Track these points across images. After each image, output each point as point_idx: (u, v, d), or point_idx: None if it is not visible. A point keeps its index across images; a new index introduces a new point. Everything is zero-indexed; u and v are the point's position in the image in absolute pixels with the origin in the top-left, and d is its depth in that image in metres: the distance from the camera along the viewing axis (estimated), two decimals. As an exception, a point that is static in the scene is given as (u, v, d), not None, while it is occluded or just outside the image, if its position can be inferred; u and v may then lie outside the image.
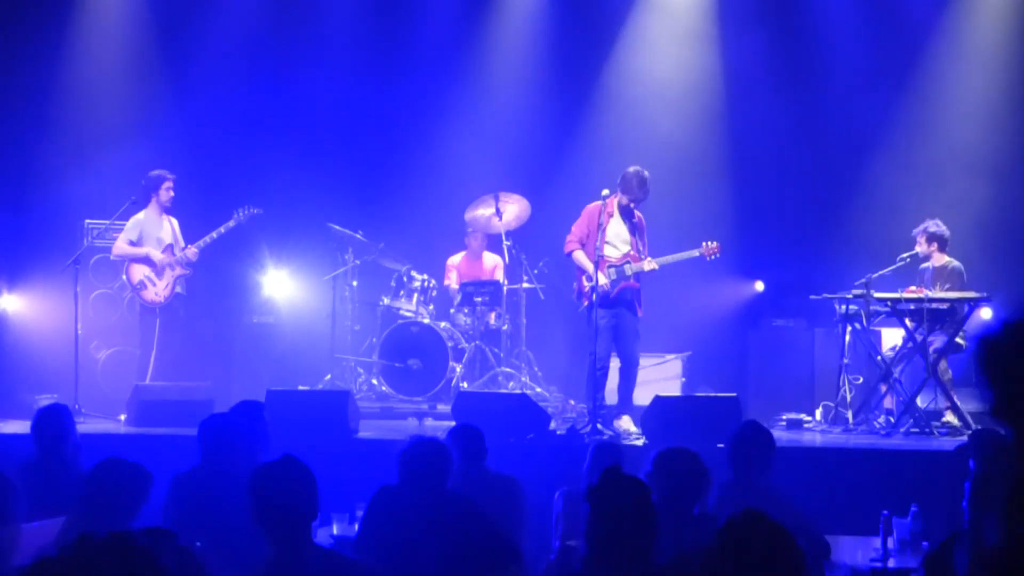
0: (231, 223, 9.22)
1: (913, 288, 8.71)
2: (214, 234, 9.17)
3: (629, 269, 8.18)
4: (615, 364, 8.36)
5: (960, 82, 10.48)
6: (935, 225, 8.94)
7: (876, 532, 5.23)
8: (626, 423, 8.03)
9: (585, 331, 8.12)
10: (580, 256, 8.17)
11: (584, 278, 8.12)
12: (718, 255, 8.30)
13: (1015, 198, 10.16)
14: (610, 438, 7.38)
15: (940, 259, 8.94)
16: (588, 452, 5.66)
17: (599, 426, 7.76)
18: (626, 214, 8.26)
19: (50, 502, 4.66)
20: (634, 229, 8.27)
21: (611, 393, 8.45)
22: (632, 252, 8.21)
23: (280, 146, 10.67)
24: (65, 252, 9.33)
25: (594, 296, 7.98)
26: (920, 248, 8.92)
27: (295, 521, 3.64)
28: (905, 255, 8.92)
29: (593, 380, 7.96)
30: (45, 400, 8.12)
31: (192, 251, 9.14)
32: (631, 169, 8.20)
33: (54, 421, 5.54)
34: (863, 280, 8.61)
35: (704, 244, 8.27)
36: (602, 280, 8.07)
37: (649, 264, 8.18)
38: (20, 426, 5.82)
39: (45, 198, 10.13)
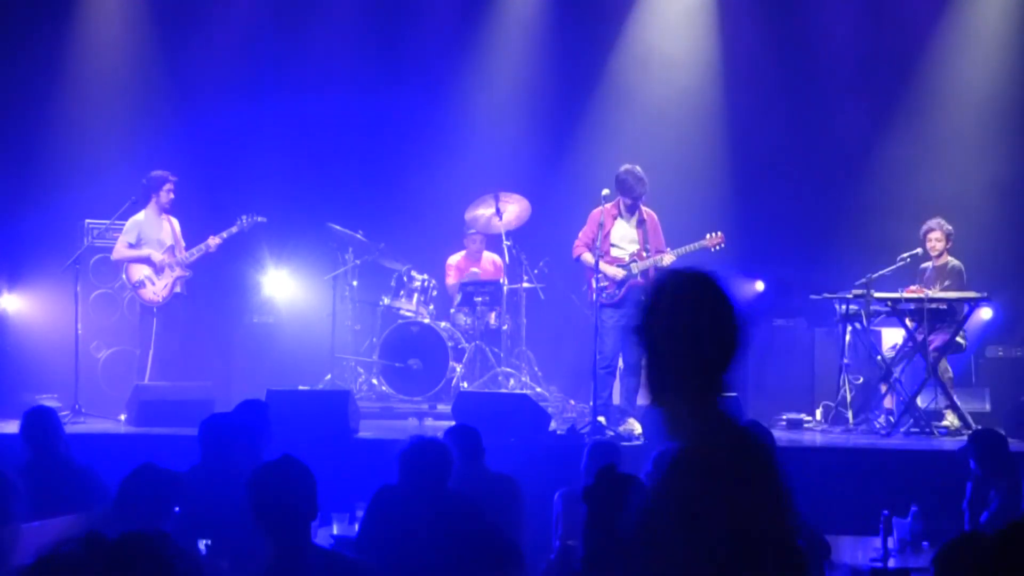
0: (234, 229, 9.24)
1: (913, 288, 8.72)
2: (218, 238, 9.18)
3: (635, 268, 8.21)
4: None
5: (961, 81, 10.47)
6: (944, 223, 8.94)
7: (876, 532, 5.23)
8: (631, 425, 8.04)
9: (594, 330, 8.15)
10: (588, 257, 8.21)
11: (593, 279, 8.15)
12: (723, 245, 8.32)
13: (1017, 197, 10.16)
14: (608, 438, 7.38)
15: (941, 258, 8.94)
16: (585, 452, 5.66)
17: (600, 419, 7.75)
18: (631, 214, 8.28)
19: (48, 502, 4.67)
20: (642, 229, 8.28)
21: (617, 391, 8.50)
22: (640, 251, 8.24)
23: (280, 146, 10.68)
24: (65, 252, 9.33)
25: (593, 296, 8.06)
26: (936, 245, 8.89)
27: (295, 521, 3.63)
28: (905, 255, 8.92)
29: (595, 379, 7.97)
30: (44, 400, 8.13)
31: (215, 241, 9.15)
32: (623, 169, 8.24)
33: (43, 422, 5.56)
34: (863, 280, 8.61)
35: (708, 235, 8.29)
36: (611, 272, 8.12)
37: (656, 260, 8.20)
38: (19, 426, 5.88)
39: (45, 198, 10.12)
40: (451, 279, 10.13)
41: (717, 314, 2.38)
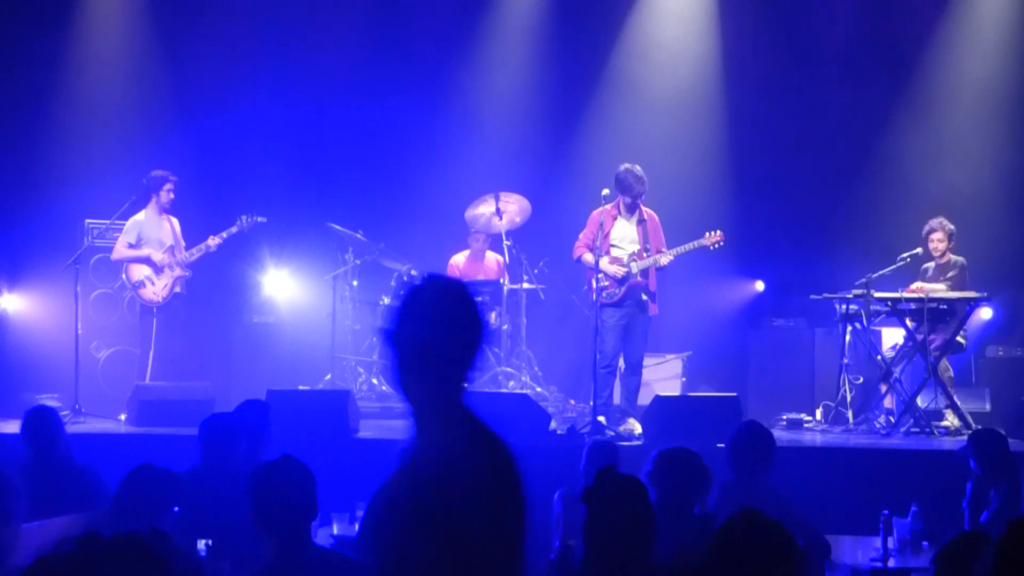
0: (234, 229, 9.24)
1: (916, 285, 8.71)
2: (218, 238, 9.18)
3: (635, 267, 8.21)
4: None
5: (963, 80, 10.49)
6: (946, 223, 8.94)
7: (876, 532, 5.24)
8: (631, 425, 8.05)
9: (594, 330, 8.15)
10: (589, 257, 8.22)
11: (593, 279, 8.15)
12: (722, 244, 8.31)
13: (1016, 197, 10.17)
14: (607, 438, 7.37)
15: (944, 257, 8.95)
16: (583, 452, 5.66)
17: (600, 419, 7.75)
18: (631, 214, 8.29)
19: (48, 502, 4.67)
20: (642, 228, 8.29)
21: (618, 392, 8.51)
22: (640, 251, 8.24)
23: (281, 146, 10.68)
24: (65, 252, 9.33)
25: (593, 296, 8.06)
26: (939, 246, 8.90)
27: (295, 521, 3.63)
28: (905, 255, 8.93)
29: (595, 379, 7.97)
30: (44, 400, 8.13)
31: (215, 241, 9.15)
32: (622, 168, 8.25)
33: (44, 422, 5.56)
34: (863, 280, 8.62)
35: (707, 234, 8.28)
36: (612, 270, 8.13)
37: (656, 259, 8.19)
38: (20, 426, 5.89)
39: (46, 198, 10.12)
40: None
41: (461, 318, 2.60)
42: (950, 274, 8.82)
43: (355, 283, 9.91)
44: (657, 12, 10.94)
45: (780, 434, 7.48)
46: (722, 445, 5.40)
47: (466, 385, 2.59)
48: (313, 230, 9.96)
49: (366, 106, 10.76)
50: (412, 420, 2.57)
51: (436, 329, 2.55)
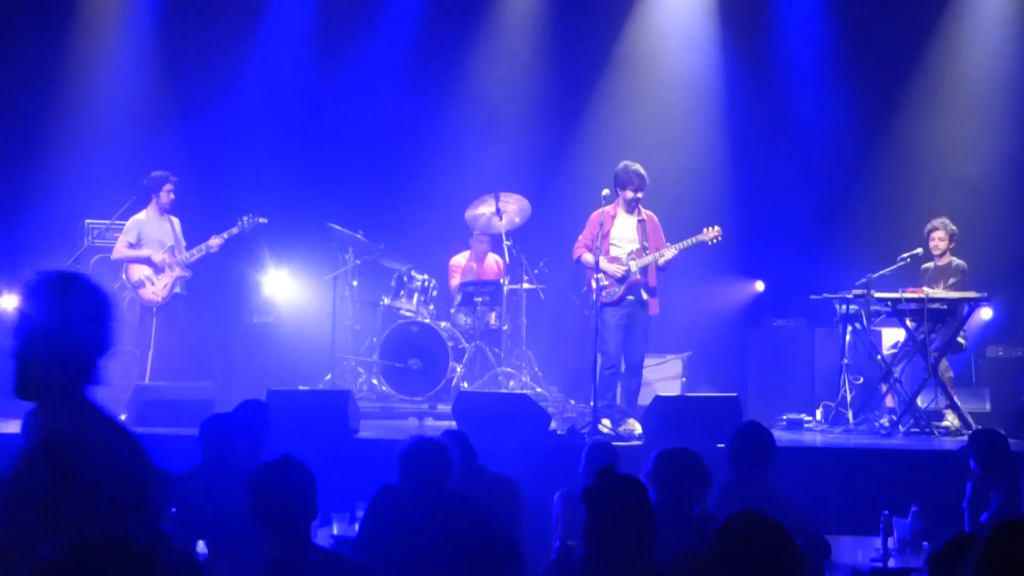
0: (235, 230, 9.24)
1: (923, 291, 8.71)
2: (220, 239, 9.18)
3: (634, 265, 8.20)
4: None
5: (962, 80, 10.49)
6: (948, 223, 8.94)
7: (876, 532, 5.23)
8: (631, 425, 8.04)
9: (594, 331, 8.14)
10: (588, 257, 8.21)
11: (593, 279, 8.14)
12: (720, 239, 8.28)
13: (1016, 197, 10.16)
14: (606, 438, 7.37)
15: (944, 257, 8.95)
16: (583, 453, 5.66)
17: (604, 422, 7.75)
18: (631, 213, 8.28)
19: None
20: (641, 227, 8.29)
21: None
22: (639, 250, 8.24)
23: (280, 146, 10.68)
24: (65, 252, 9.34)
25: (593, 296, 8.06)
26: (940, 244, 8.89)
27: (295, 521, 3.63)
28: (906, 255, 8.92)
29: (595, 379, 7.96)
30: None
31: (216, 241, 9.15)
32: (620, 166, 8.25)
33: None
34: (863, 280, 8.62)
35: (705, 229, 8.26)
36: (612, 269, 8.12)
37: (656, 257, 8.18)
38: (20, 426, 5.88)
39: (45, 198, 10.12)
40: (455, 280, 10.09)
41: (88, 311, 2.60)
42: (952, 280, 8.80)
43: (355, 283, 9.91)
44: (657, 13, 10.94)
45: (780, 434, 7.48)
46: (722, 445, 5.40)
47: (92, 379, 2.59)
48: (313, 230, 9.96)
49: (366, 106, 10.77)
50: (36, 411, 2.60)
51: (57, 323, 2.55)
